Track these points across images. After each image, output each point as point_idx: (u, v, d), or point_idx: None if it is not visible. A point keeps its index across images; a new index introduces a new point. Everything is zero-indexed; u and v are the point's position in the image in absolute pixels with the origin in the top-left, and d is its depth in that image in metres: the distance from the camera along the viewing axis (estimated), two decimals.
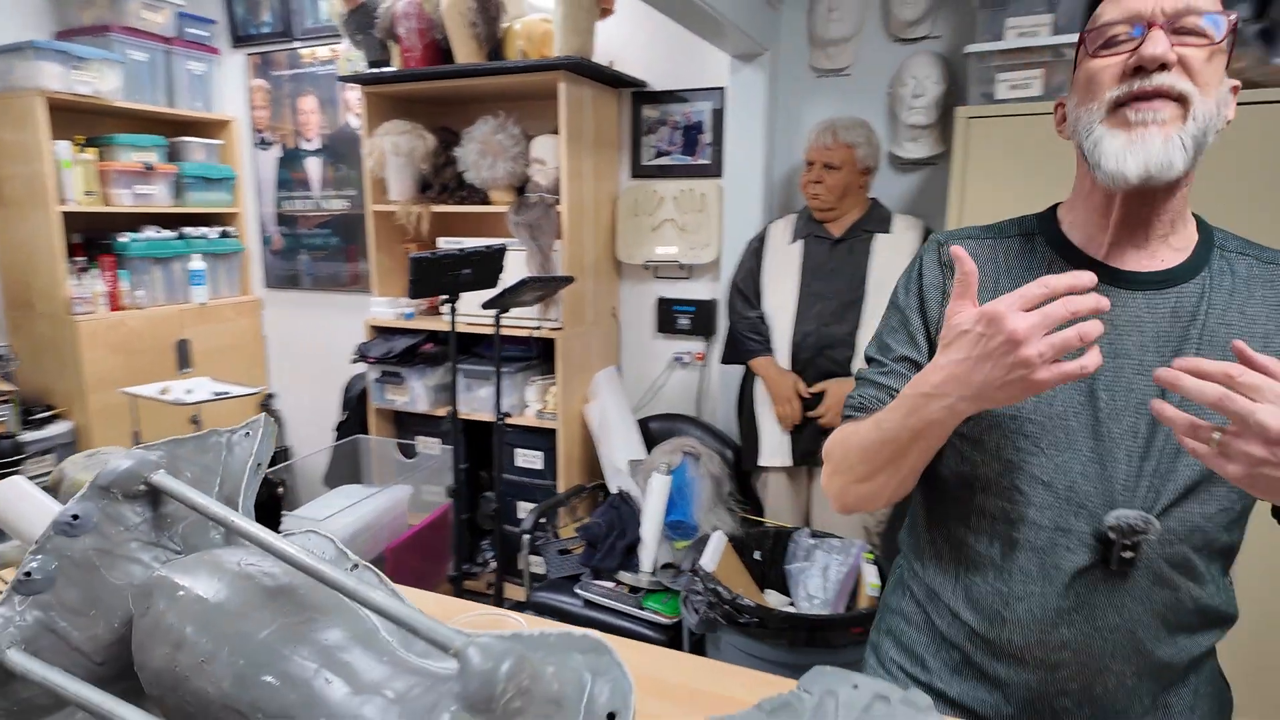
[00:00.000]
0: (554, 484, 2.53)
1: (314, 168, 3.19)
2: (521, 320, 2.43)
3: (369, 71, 2.54)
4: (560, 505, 2.42)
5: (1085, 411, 0.75)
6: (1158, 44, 0.68)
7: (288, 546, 0.55)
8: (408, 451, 2.74)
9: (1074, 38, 1.81)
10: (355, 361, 2.67)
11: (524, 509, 2.60)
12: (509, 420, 2.42)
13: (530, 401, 2.56)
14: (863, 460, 0.81)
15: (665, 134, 2.59)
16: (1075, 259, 0.79)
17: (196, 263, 3.06)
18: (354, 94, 2.98)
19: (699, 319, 2.63)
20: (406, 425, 2.80)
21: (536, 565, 2.35)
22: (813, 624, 1.59)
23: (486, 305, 2.02)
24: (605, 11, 2.30)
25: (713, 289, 2.62)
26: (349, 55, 2.62)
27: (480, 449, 2.64)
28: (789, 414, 2.07)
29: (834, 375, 2.05)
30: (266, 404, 3.32)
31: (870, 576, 1.79)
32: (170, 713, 0.54)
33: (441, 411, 2.65)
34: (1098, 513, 0.74)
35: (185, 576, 0.57)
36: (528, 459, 2.58)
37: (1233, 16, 0.70)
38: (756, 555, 1.97)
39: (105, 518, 0.62)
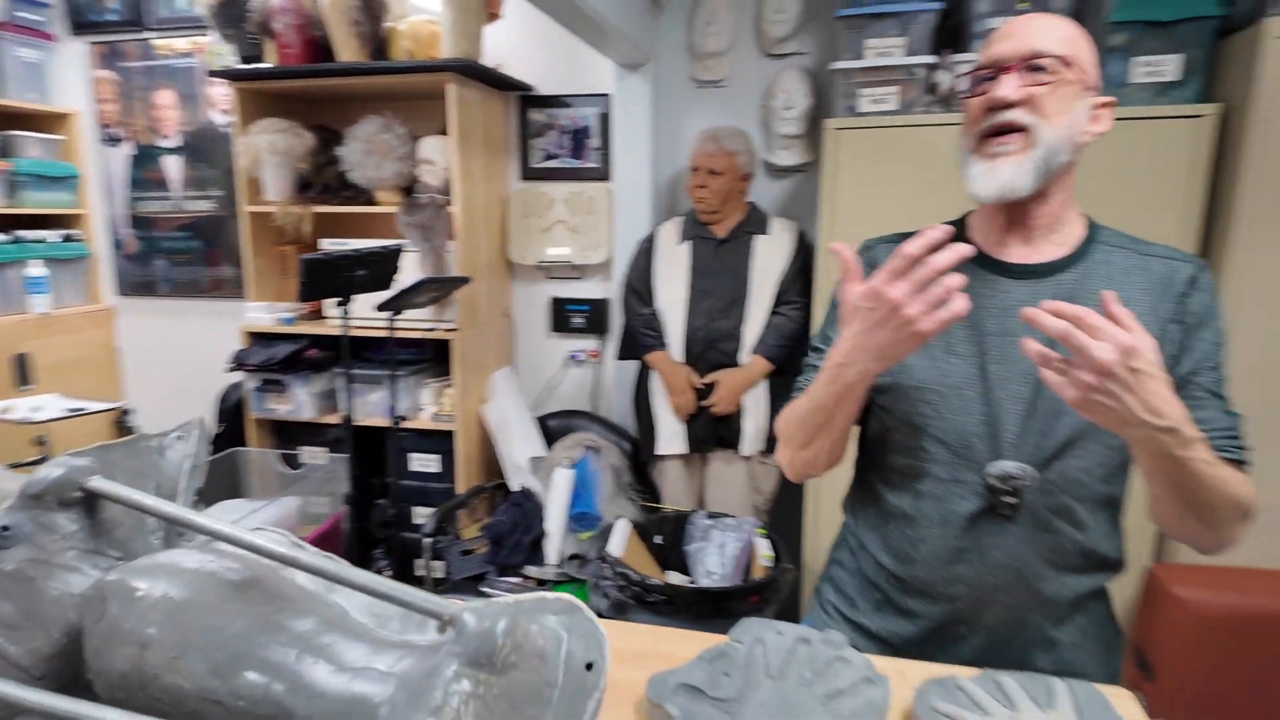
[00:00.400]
0: (452, 486, 2.51)
1: (172, 166, 2.98)
2: (415, 322, 2.39)
3: (250, 67, 2.39)
4: (461, 506, 2.41)
5: (978, 382, 0.89)
6: (1003, 87, 0.83)
7: (256, 538, 0.56)
8: (292, 462, 2.62)
9: (925, 59, 2.00)
10: (232, 370, 2.53)
11: (420, 514, 2.56)
12: (404, 424, 2.38)
13: (425, 404, 2.52)
14: (801, 428, 0.94)
15: (554, 138, 2.64)
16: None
17: (35, 269, 2.78)
18: (220, 89, 2.81)
19: (593, 317, 2.70)
20: (289, 435, 2.67)
21: (437, 569, 2.32)
22: (716, 596, 1.71)
23: (382, 307, 1.99)
24: (493, 16, 2.32)
25: (605, 288, 2.69)
26: (217, 49, 2.47)
27: (371, 455, 2.56)
28: (684, 404, 2.18)
29: (724, 366, 2.18)
30: (122, 420, 3.05)
31: (763, 549, 1.93)
32: (138, 712, 0.54)
33: (329, 419, 2.56)
34: (986, 465, 0.88)
35: (141, 579, 0.56)
36: (424, 463, 2.54)
37: (1070, 55, 0.84)
38: (658, 539, 2.07)
39: (38, 527, 0.60)
